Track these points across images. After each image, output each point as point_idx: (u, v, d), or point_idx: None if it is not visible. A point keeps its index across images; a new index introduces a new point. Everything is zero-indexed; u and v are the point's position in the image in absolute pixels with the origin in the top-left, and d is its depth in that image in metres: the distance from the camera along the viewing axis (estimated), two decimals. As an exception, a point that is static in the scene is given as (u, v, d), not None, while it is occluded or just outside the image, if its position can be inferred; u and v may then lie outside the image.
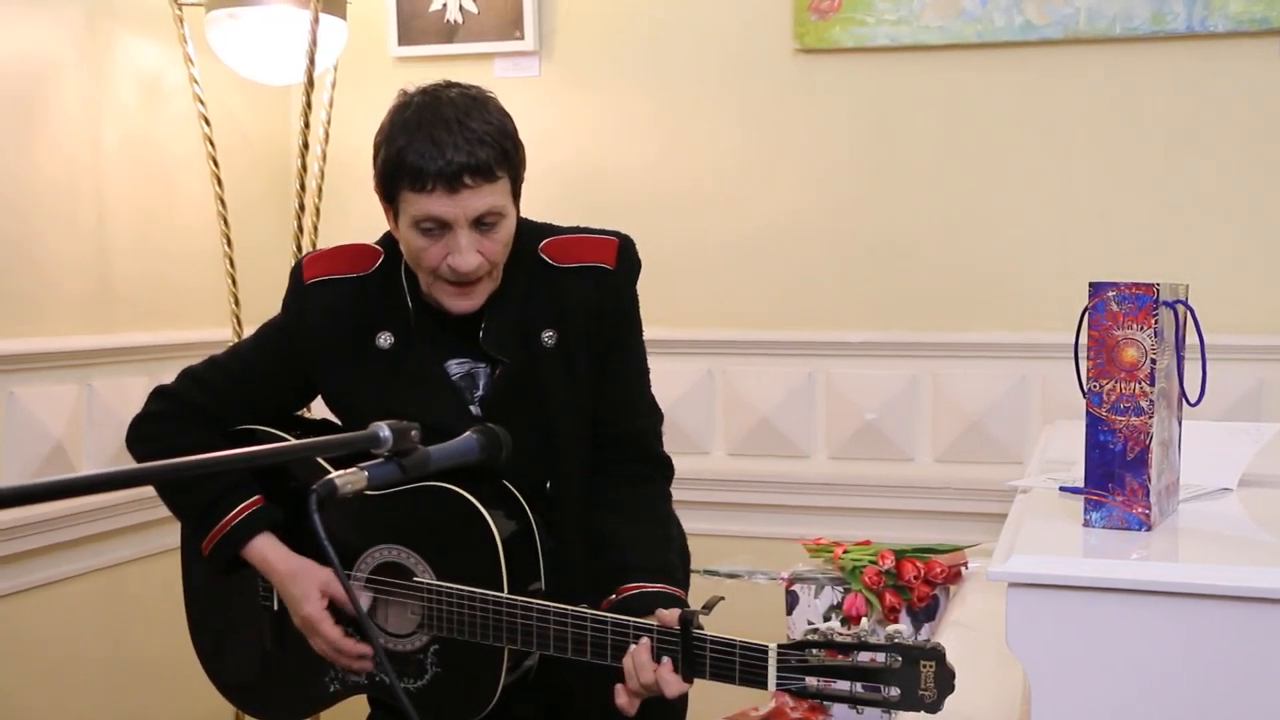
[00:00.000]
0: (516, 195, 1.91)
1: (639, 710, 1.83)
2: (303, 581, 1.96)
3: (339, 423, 2.08)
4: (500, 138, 1.84)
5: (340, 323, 1.98)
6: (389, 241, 2.00)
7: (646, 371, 2.06)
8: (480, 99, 1.87)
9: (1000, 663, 1.71)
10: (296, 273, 2.04)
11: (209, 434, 2.01)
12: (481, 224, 1.85)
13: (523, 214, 1.99)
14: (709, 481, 3.17)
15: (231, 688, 2.15)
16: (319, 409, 2.18)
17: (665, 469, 2.06)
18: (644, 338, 2.07)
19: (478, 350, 1.96)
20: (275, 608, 2.05)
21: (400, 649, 1.94)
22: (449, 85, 1.88)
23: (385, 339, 1.97)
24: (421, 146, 1.80)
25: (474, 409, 1.96)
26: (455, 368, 1.98)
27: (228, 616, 2.12)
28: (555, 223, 2.04)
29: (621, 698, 1.77)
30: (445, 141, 1.80)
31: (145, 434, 2.07)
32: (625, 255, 1.99)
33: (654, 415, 2.06)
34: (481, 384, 1.98)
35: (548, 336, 1.95)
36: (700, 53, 3.19)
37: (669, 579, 1.90)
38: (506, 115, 1.89)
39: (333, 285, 2.00)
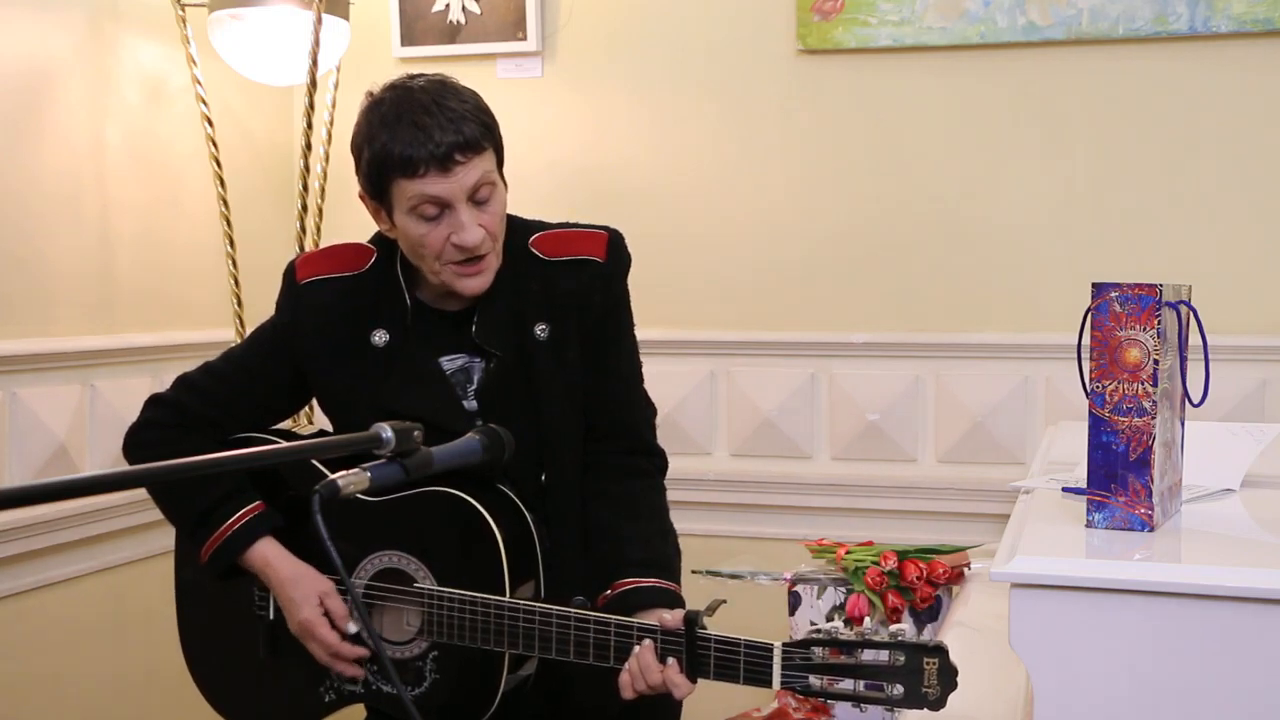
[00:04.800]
0: (501, 167, 1.93)
1: (633, 713, 1.83)
2: (303, 587, 1.96)
3: (333, 431, 2.08)
4: (478, 113, 1.88)
5: (335, 322, 1.98)
6: (381, 239, 2.01)
7: (639, 364, 2.07)
8: (449, 83, 1.90)
9: (1003, 663, 1.71)
10: (289, 274, 2.04)
11: (205, 441, 2.00)
12: (477, 200, 1.87)
13: (516, 212, 2.00)
14: (711, 482, 3.17)
15: (224, 700, 2.13)
16: (321, 417, 2.18)
17: (660, 461, 2.07)
18: (644, 337, 2.07)
19: (471, 345, 1.97)
20: (270, 616, 2.04)
21: (399, 656, 1.94)
22: (413, 77, 1.91)
23: (380, 336, 1.97)
24: (407, 135, 1.82)
25: (469, 403, 1.97)
26: (448, 364, 1.98)
27: (220, 628, 2.11)
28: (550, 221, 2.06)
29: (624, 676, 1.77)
30: (429, 125, 1.82)
31: (142, 442, 2.06)
32: (615, 249, 2.01)
33: (648, 407, 2.07)
34: (476, 378, 1.98)
35: (540, 329, 1.95)
36: (703, 54, 3.19)
37: (666, 574, 1.91)
38: (476, 93, 1.92)
39: (327, 285, 2.00)
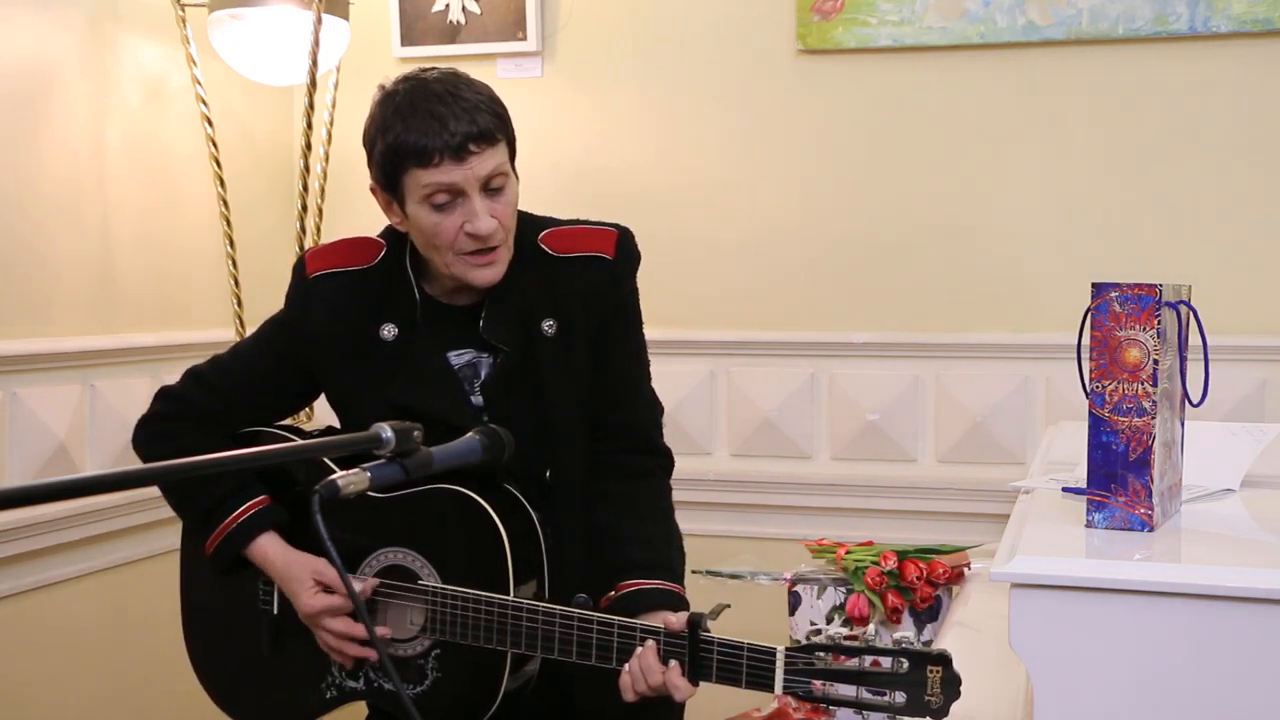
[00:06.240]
0: (513, 160, 1.93)
1: (633, 715, 1.83)
2: (296, 576, 1.97)
3: (339, 425, 2.08)
4: (493, 104, 1.88)
5: (344, 315, 1.99)
6: (391, 234, 2.01)
7: (646, 363, 2.07)
8: (462, 75, 1.91)
9: (1003, 663, 1.71)
10: (299, 267, 2.05)
11: (214, 434, 2.02)
12: (490, 189, 1.87)
13: (523, 208, 2.00)
14: (711, 482, 3.17)
15: (227, 696, 2.13)
16: (321, 414, 2.18)
17: (666, 461, 2.06)
18: (646, 335, 2.07)
19: (479, 340, 1.97)
20: (274, 611, 2.04)
21: (401, 653, 1.94)
22: (425, 70, 1.91)
23: (389, 331, 1.98)
24: (422, 125, 1.82)
25: (475, 399, 1.97)
26: (456, 359, 1.98)
27: (224, 623, 2.11)
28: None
29: (624, 679, 1.77)
30: (444, 114, 1.82)
31: (151, 434, 2.08)
32: (624, 246, 2.01)
33: (654, 406, 2.07)
34: (483, 374, 1.98)
35: (548, 326, 1.95)
36: (703, 54, 3.19)
37: (669, 576, 1.91)
38: (489, 86, 1.91)
39: (336, 278, 2.00)
